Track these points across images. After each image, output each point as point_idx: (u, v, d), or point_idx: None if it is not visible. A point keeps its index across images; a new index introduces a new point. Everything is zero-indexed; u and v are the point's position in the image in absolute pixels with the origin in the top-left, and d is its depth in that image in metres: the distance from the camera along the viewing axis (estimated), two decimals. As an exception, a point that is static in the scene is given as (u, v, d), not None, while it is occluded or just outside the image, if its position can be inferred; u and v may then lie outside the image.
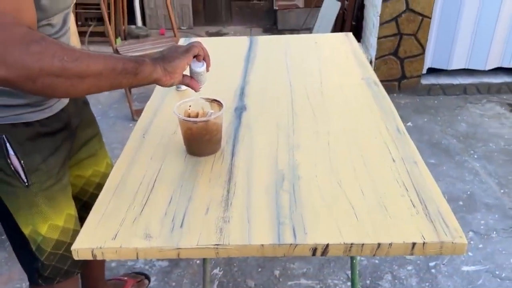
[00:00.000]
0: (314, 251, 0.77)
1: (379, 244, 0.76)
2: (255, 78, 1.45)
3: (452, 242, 0.76)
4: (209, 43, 1.82)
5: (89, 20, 4.65)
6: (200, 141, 1.01)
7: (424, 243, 0.76)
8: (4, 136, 0.93)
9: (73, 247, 0.77)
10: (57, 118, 1.02)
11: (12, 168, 0.95)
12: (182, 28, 4.98)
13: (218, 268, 1.84)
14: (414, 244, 0.76)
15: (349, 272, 1.80)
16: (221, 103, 1.04)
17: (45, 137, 1.01)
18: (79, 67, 0.74)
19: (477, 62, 3.36)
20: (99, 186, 1.16)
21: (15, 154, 0.94)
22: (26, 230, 1.01)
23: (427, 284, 1.75)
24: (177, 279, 1.80)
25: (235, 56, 1.63)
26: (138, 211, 0.85)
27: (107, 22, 3.18)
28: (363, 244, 0.76)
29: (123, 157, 1.03)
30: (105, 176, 1.25)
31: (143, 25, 4.94)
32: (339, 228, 0.80)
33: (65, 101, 1.05)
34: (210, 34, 4.87)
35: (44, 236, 1.03)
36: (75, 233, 1.06)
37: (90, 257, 0.77)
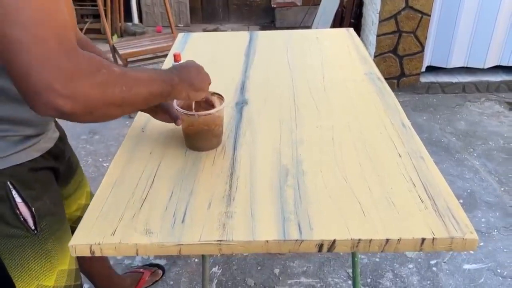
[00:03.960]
0: (320, 247, 0.75)
1: (387, 240, 0.74)
2: (255, 72, 1.42)
3: (463, 238, 0.74)
4: (208, 38, 1.79)
5: (85, 17, 4.61)
6: (201, 135, 0.98)
7: (433, 238, 0.74)
8: (9, 182, 0.82)
9: (70, 243, 0.74)
10: (56, 147, 0.96)
11: (22, 219, 0.85)
12: (179, 25, 4.95)
13: (217, 266, 1.81)
14: (423, 240, 0.74)
15: (349, 270, 1.78)
16: (222, 96, 1.01)
17: (50, 173, 0.94)
18: (133, 97, 0.72)
19: (476, 61, 3.35)
20: (79, 219, 1.11)
21: (24, 200, 0.84)
22: None
23: (428, 282, 1.73)
24: (175, 278, 1.77)
25: (235, 51, 1.60)
26: (137, 207, 0.82)
27: (104, 18, 3.14)
28: (371, 240, 0.74)
29: (122, 152, 1.00)
30: (86, 207, 1.18)
31: (139, 22, 4.90)
32: (346, 224, 0.77)
33: (56, 129, 0.99)
34: (207, 32, 4.84)
35: (53, 286, 0.94)
36: (78, 272, 1.01)
37: (88, 254, 0.74)
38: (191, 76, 0.88)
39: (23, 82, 0.60)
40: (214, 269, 1.80)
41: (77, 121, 0.68)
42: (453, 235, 0.74)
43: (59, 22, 0.63)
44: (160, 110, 1.02)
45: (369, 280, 1.74)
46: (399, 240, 0.74)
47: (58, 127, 1.02)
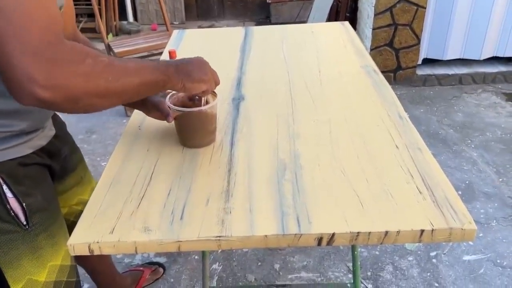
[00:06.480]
0: (320, 240, 0.75)
1: (386, 232, 0.74)
2: (251, 68, 1.42)
3: (461, 228, 0.74)
4: (204, 34, 1.79)
5: (80, 16, 4.59)
6: (193, 132, 0.98)
7: (432, 230, 0.74)
8: None
9: (68, 242, 0.74)
10: (51, 144, 0.95)
11: (12, 214, 0.85)
12: (174, 23, 4.93)
13: (217, 263, 1.81)
14: (422, 231, 0.74)
15: (349, 264, 1.78)
16: (215, 93, 1.00)
17: (43, 169, 0.93)
18: (121, 87, 0.71)
19: (472, 52, 3.35)
20: (81, 214, 1.09)
21: (15, 196, 0.84)
22: (18, 286, 0.90)
23: (428, 274, 1.74)
24: (176, 275, 1.77)
25: (230, 47, 1.60)
26: (135, 204, 0.82)
27: (99, 17, 3.13)
28: (370, 232, 0.74)
29: (119, 150, 1.00)
30: None
31: (134, 20, 4.88)
32: (344, 217, 0.77)
33: (53, 127, 0.98)
34: (203, 29, 4.82)
35: (45, 281, 0.93)
36: (72, 268, 1.00)
37: (87, 252, 0.74)
38: (190, 67, 0.85)
39: (6, 72, 0.61)
40: (215, 266, 1.80)
41: (62, 111, 0.68)
42: (452, 225, 0.74)
43: (45, 13, 0.63)
44: (152, 107, 1.00)
45: (369, 273, 1.75)
46: (398, 232, 0.74)
47: (58, 125, 1.02)
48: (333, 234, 0.74)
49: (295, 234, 0.74)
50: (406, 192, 0.83)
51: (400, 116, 1.09)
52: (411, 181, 0.85)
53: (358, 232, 0.74)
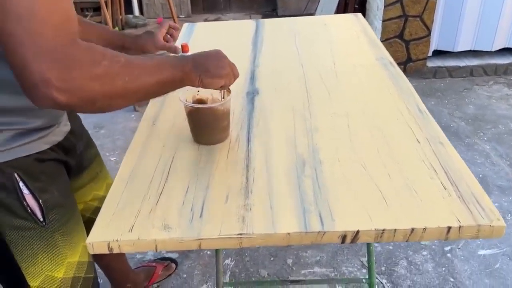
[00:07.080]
0: (344, 238, 0.73)
1: (412, 229, 0.72)
2: (265, 61, 1.39)
3: (490, 225, 0.72)
4: (214, 28, 1.76)
5: (85, 10, 4.56)
6: (206, 128, 0.95)
7: (460, 227, 0.72)
8: (16, 174, 0.80)
9: (87, 241, 0.73)
10: (66, 140, 0.94)
11: (29, 210, 0.84)
12: (180, 16, 4.89)
13: (230, 258, 1.80)
14: (449, 228, 0.72)
15: (363, 259, 1.76)
16: (229, 89, 0.98)
17: (59, 165, 0.92)
18: (138, 87, 0.70)
19: (484, 43, 3.30)
20: (97, 210, 1.07)
21: (31, 192, 0.83)
22: (35, 282, 0.89)
23: (443, 269, 1.72)
24: (188, 271, 1.76)
25: (242, 40, 1.57)
26: (154, 202, 0.81)
27: (105, 11, 3.11)
28: (395, 229, 0.72)
29: (134, 146, 0.98)
30: (104, 199, 1.17)
31: (140, 14, 4.85)
32: (368, 213, 0.75)
33: (68, 122, 0.97)
34: (209, 22, 4.78)
35: (62, 278, 0.92)
36: (89, 264, 0.99)
37: (106, 251, 0.73)
38: (208, 62, 0.84)
39: (20, 75, 0.60)
40: (227, 261, 1.79)
41: (80, 112, 0.68)
42: (480, 222, 0.72)
43: (58, 13, 0.61)
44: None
45: (383, 268, 1.73)
46: (424, 229, 0.72)
47: (73, 120, 1.00)
48: (358, 232, 0.72)
49: (318, 232, 0.72)
50: (430, 188, 0.80)
51: (419, 109, 1.07)
52: (435, 176, 0.83)
53: (383, 230, 0.72)
